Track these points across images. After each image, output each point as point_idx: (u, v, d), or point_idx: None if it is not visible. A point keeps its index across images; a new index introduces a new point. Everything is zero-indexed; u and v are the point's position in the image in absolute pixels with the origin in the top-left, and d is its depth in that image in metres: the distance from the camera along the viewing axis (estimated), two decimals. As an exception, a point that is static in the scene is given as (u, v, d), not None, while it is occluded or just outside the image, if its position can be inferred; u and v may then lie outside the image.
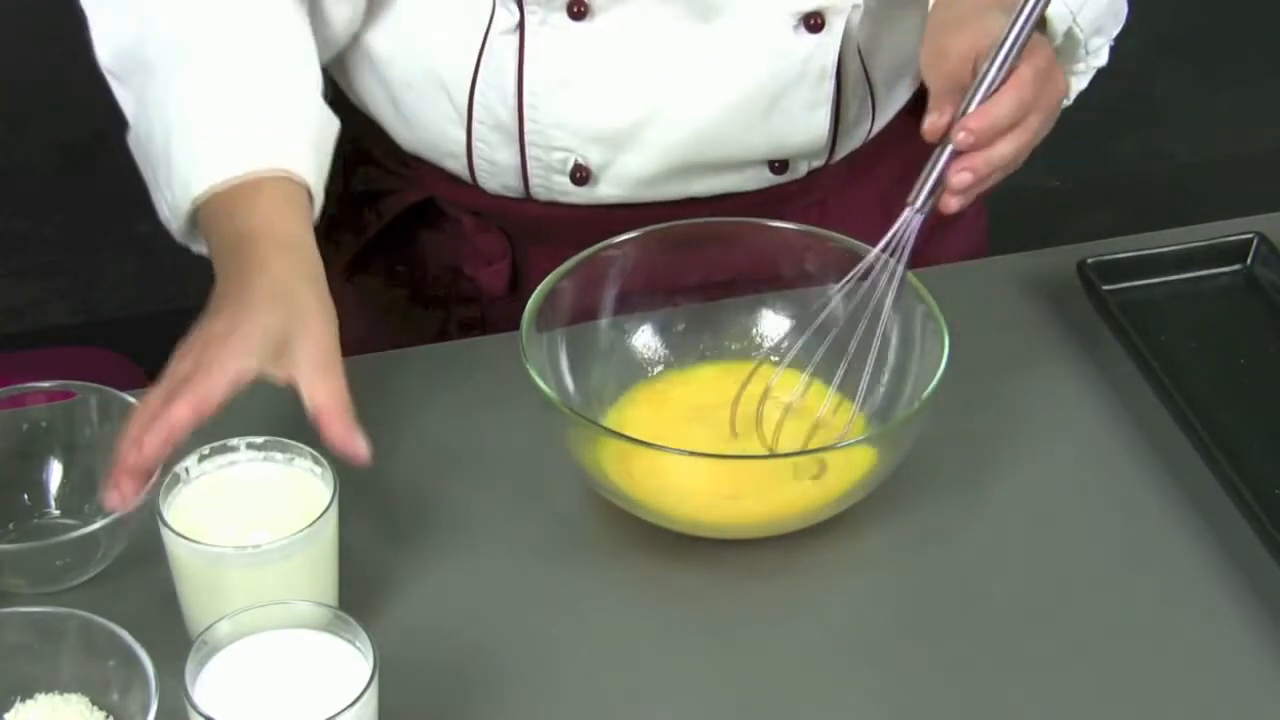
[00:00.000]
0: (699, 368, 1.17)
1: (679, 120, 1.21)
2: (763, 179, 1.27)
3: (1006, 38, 1.03)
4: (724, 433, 1.10)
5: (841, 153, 1.28)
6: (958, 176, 1.03)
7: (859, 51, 1.23)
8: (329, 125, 1.13)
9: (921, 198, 1.05)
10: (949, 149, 1.04)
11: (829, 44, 1.20)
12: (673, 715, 1.00)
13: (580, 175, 1.23)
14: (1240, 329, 1.22)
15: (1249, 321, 1.23)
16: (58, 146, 2.62)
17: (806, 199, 1.28)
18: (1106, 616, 1.05)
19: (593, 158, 1.22)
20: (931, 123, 1.04)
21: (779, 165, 1.26)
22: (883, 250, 1.07)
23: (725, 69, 1.19)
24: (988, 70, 1.03)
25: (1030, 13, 1.03)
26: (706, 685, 1.01)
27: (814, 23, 1.18)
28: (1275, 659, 1.02)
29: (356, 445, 0.99)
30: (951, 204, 1.04)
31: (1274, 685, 1.01)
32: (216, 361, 0.99)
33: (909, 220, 1.06)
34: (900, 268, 1.07)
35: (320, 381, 1.00)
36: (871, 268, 1.08)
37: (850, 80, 1.23)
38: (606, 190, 1.24)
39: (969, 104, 1.03)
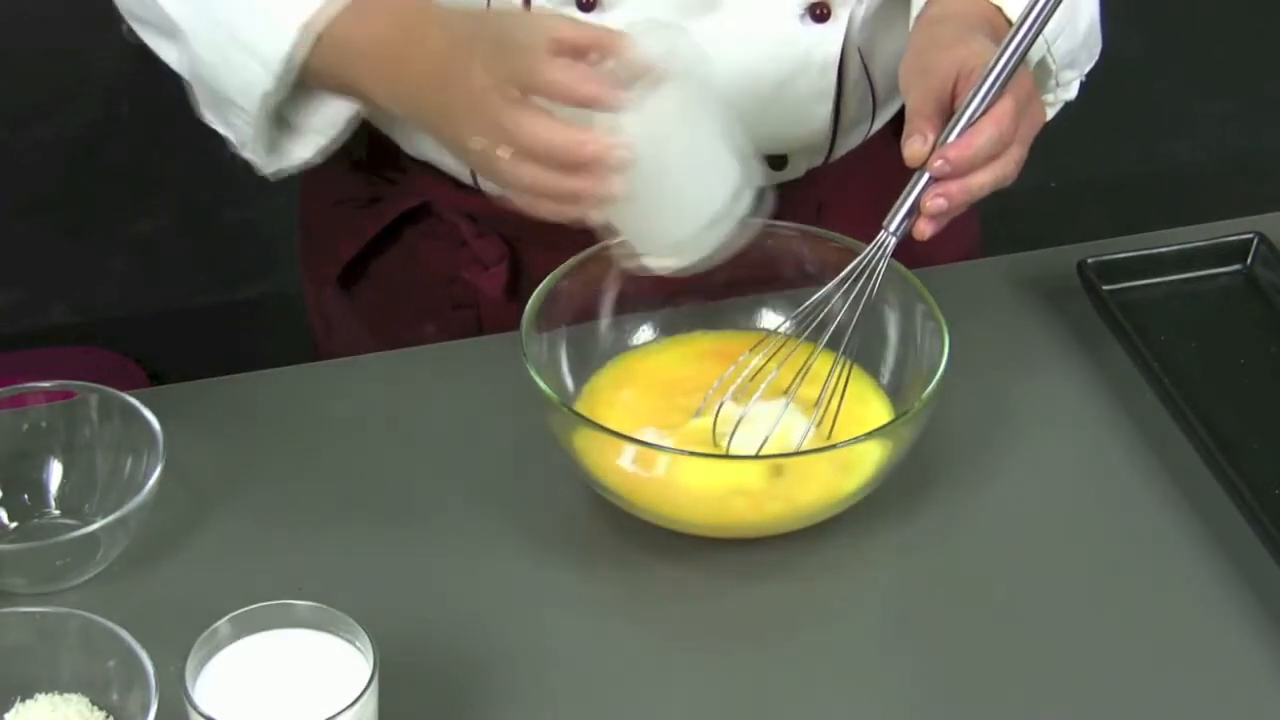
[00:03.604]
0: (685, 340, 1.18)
1: None
2: (762, 176, 1.27)
3: (991, 69, 1.04)
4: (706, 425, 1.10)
5: (840, 151, 1.28)
6: (933, 202, 1.04)
7: (859, 51, 1.23)
8: None
9: (896, 221, 1.06)
10: (926, 176, 1.05)
11: (834, 35, 1.20)
12: (672, 715, 1.00)
13: None
14: (1240, 329, 1.22)
15: (1249, 321, 1.23)
16: (58, 147, 2.63)
17: (803, 198, 1.28)
18: (1106, 616, 1.05)
19: None
20: (913, 150, 1.05)
21: (778, 161, 1.26)
22: (856, 269, 1.07)
23: (730, 57, 1.19)
24: (970, 100, 1.04)
25: (1017, 46, 1.03)
26: (707, 685, 1.01)
27: (820, 12, 1.19)
28: (1275, 659, 1.02)
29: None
30: (926, 229, 1.05)
31: (1274, 685, 1.01)
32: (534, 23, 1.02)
33: (884, 243, 1.06)
34: (874, 286, 1.07)
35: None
36: (850, 279, 1.08)
37: (851, 78, 1.23)
38: None
39: (950, 132, 1.04)
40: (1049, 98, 1.21)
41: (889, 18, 1.22)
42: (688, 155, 1.03)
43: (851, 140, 1.28)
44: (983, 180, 1.05)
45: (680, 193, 1.04)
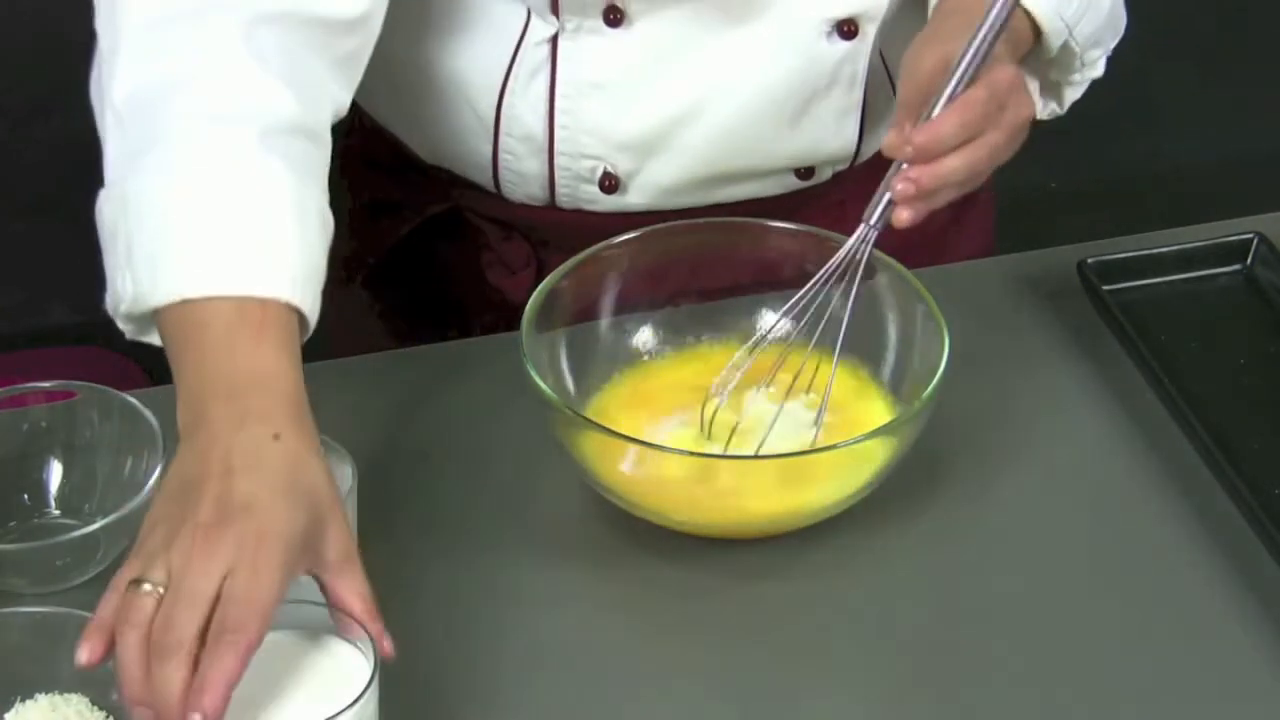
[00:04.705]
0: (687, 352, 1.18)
1: (709, 126, 1.21)
2: (788, 185, 1.27)
3: (963, 58, 1.03)
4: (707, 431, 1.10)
5: (866, 155, 1.28)
6: (901, 186, 1.04)
7: (880, 52, 1.23)
8: (324, 265, 1.01)
9: (877, 213, 1.06)
10: (903, 165, 1.04)
11: (861, 51, 1.20)
12: (673, 715, 1.00)
13: (609, 183, 1.23)
14: (1240, 329, 1.22)
15: (1249, 321, 1.23)
16: (58, 146, 2.62)
17: (827, 199, 1.28)
18: (1106, 616, 1.05)
19: (622, 165, 1.23)
20: (888, 140, 1.05)
21: (805, 172, 1.26)
22: (840, 264, 1.07)
23: (757, 75, 1.19)
24: (944, 88, 1.04)
25: (986, 33, 1.03)
26: (707, 685, 1.01)
27: (847, 30, 1.19)
28: (1275, 659, 1.02)
29: (385, 645, 0.91)
30: (903, 216, 1.05)
31: (1274, 685, 1.01)
32: (264, 581, 0.87)
33: (864, 235, 1.06)
34: (857, 280, 1.07)
35: (349, 583, 0.92)
36: (833, 274, 1.08)
37: (875, 82, 1.23)
38: (634, 199, 1.24)
39: (925, 119, 1.04)
40: (1075, 77, 1.20)
41: (910, 17, 1.22)
42: None
43: (877, 142, 1.28)
44: (954, 165, 1.04)
45: None
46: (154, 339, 1.02)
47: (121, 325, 1.03)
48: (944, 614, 1.05)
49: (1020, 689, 1.01)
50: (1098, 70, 1.21)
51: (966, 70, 1.03)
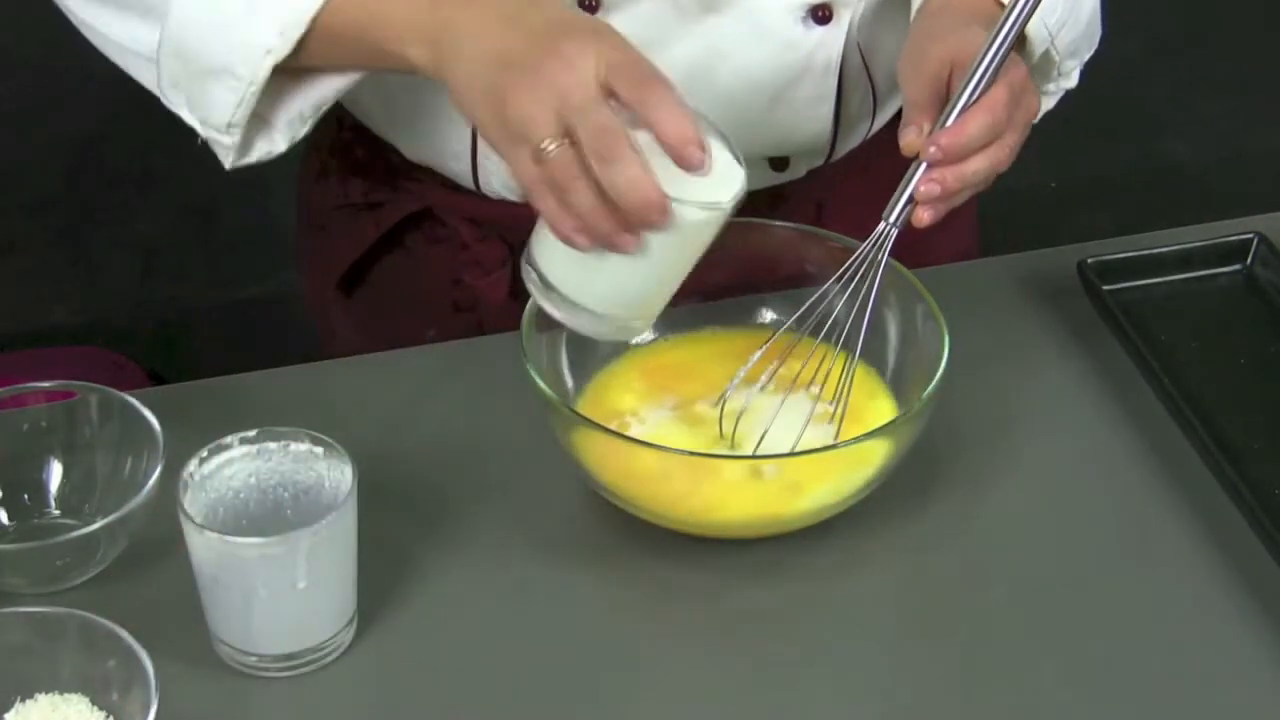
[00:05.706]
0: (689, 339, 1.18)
1: None
2: (763, 177, 1.27)
3: (984, 56, 1.03)
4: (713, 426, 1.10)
5: (842, 151, 1.28)
6: (925, 188, 1.04)
7: (860, 49, 1.23)
8: None
9: (896, 211, 1.06)
10: (924, 165, 1.04)
11: (835, 37, 1.20)
12: (672, 714, 1.00)
13: None
14: (1240, 329, 1.22)
15: (1249, 321, 1.23)
16: (58, 146, 2.63)
17: (804, 198, 1.28)
18: (1106, 617, 1.05)
19: None
20: (908, 140, 1.05)
21: (779, 163, 1.26)
22: (857, 263, 1.07)
23: (731, 61, 1.19)
24: (963, 89, 1.04)
25: (1007, 34, 1.03)
26: (707, 685, 1.01)
27: (822, 15, 1.19)
28: (1275, 659, 1.02)
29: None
30: (924, 216, 1.05)
31: (1274, 685, 1.01)
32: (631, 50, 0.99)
33: (884, 233, 1.06)
34: (878, 279, 1.07)
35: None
36: (851, 273, 1.08)
37: (852, 77, 1.23)
38: None
39: (945, 120, 1.04)
40: (1050, 87, 1.21)
41: (889, 14, 1.22)
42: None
43: (853, 140, 1.28)
44: (977, 166, 1.04)
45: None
46: (254, 150, 1.11)
47: (229, 136, 1.10)
48: (944, 614, 1.05)
49: (1020, 688, 1.01)
50: (1072, 81, 1.22)
51: (987, 70, 1.03)
